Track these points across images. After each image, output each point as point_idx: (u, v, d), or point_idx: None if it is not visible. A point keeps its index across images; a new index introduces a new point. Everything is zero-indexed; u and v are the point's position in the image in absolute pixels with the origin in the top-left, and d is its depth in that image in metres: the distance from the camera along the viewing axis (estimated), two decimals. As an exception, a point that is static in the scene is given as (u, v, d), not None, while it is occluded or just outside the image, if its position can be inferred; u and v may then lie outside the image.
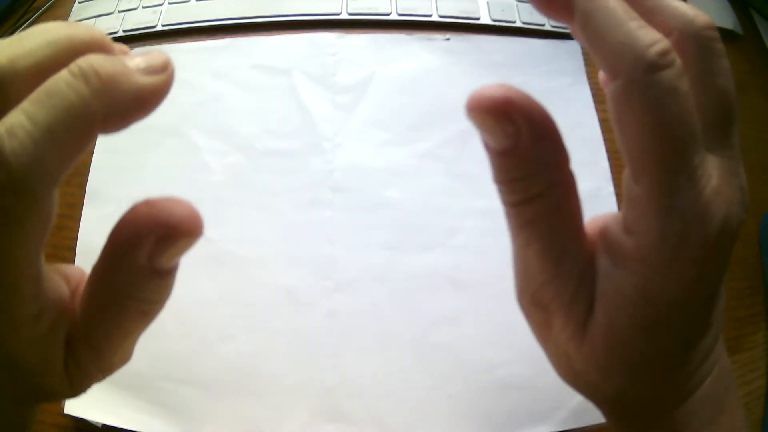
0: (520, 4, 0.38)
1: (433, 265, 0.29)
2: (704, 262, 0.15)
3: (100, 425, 0.26)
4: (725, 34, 0.41)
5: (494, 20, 0.37)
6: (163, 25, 0.37)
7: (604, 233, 0.16)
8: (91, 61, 0.13)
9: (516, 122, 0.14)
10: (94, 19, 0.38)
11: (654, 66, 0.14)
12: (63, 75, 0.13)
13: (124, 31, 0.37)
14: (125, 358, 0.17)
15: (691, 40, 0.15)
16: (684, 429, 0.17)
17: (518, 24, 0.37)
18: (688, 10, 0.16)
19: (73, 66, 0.13)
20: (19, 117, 0.12)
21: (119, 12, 0.38)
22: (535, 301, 0.17)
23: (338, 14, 0.37)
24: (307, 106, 0.33)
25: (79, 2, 0.40)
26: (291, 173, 0.31)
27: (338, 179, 0.31)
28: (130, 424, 0.26)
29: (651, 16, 0.16)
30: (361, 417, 0.26)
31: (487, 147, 0.15)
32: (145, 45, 0.37)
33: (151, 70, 0.14)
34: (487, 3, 0.37)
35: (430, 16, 0.37)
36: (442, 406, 0.26)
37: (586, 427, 0.26)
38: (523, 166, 0.15)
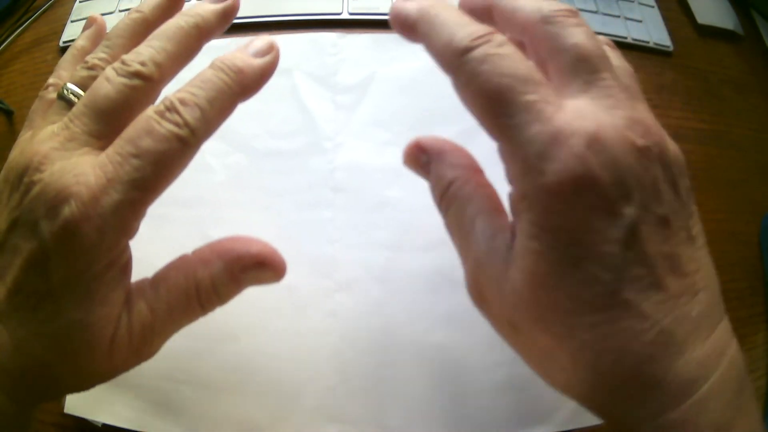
0: (520, 4, 0.38)
1: (434, 265, 0.29)
2: (585, 175, 0.15)
3: (100, 425, 0.26)
4: (726, 34, 0.41)
5: (495, 20, 0.37)
6: (164, 25, 0.37)
7: (509, 202, 0.18)
8: (224, 59, 0.19)
9: (425, 150, 0.21)
10: (94, 19, 0.38)
11: (465, 49, 0.17)
12: (209, 71, 0.19)
13: (125, 31, 0.37)
14: (155, 349, 0.20)
15: (538, 22, 0.18)
16: None
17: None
18: (539, 5, 0.18)
19: (213, 65, 0.19)
20: (185, 94, 0.18)
21: (120, 11, 0.38)
22: (469, 279, 0.19)
23: (339, 14, 0.37)
24: (308, 105, 0.33)
25: (80, 1, 0.40)
26: (292, 173, 0.31)
27: (339, 179, 0.31)
28: (130, 424, 0.26)
29: (511, 20, 0.19)
30: (361, 417, 0.26)
31: (427, 182, 0.21)
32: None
33: (262, 53, 0.20)
34: (488, 3, 0.38)
35: (431, 16, 0.37)
36: (443, 407, 0.26)
37: (587, 427, 0.26)
38: (436, 175, 0.21)
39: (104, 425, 0.26)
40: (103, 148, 0.18)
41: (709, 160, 0.35)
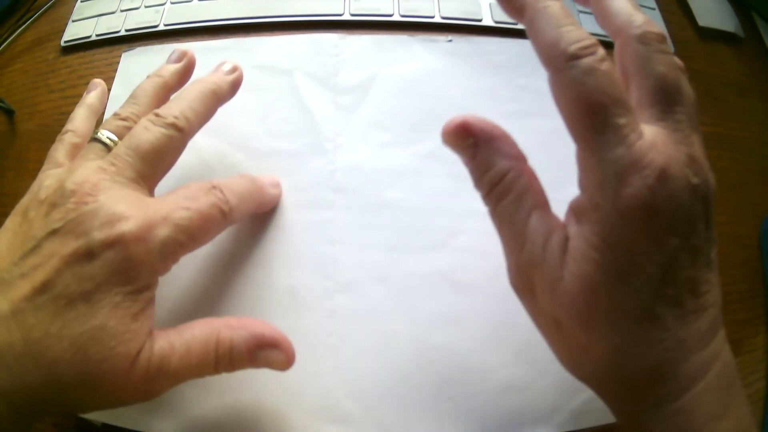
0: (522, 5, 0.38)
1: (434, 266, 0.29)
2: (650, 205, 0.17)
3: (99, 424, 0.26)
4: (727, 37, 0.41)
5: (497, 22, 0.37)
6: (166, 25, 0.37)
7: (572, 205, 0.19)
8: (254, 179, 0.27)
9: (473, 133, 0.20)
10: (96, 19, 0.38)
11: (573, 56, 0.17)
12: (242, 180, 0.26)
13: (126, 31, 0.37)
14: (164, 388, 0.21)
15: (633, 39, 0.19)
16: (691, 421, 0.18)
17: (521, 26, 0.37)
18: (635, 17, 0.19)
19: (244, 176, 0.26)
20: (228, 189, 0.24)
21: (121, 11, 0.38)
22: (519, 272, 0.20)
23: (341, 15, 0.37)
24: (309, 106, 0.33)
25: (81, 1, 0.40)
26: (292, 174, 0.31)
27: (340, 180, 0.31)
28: (130, 423, 0.26)
29: (607, 20, 0.20)
30: (361, 417, 0.26)
31: (466, 164, 0.21)
32: (147, 45, 0.37)
33: (274, 186, 0.29)
34: (490, 4, 0.38)
35: (433, 17, 0.37)
36: (442, 408, 0.26)
37: (586, 428, 0.26)
38: (484, 161, 0.20)
39: (104, 425, 0.26)
40: (146, 187, 0.22)
41: (709, 162, 0.35)
